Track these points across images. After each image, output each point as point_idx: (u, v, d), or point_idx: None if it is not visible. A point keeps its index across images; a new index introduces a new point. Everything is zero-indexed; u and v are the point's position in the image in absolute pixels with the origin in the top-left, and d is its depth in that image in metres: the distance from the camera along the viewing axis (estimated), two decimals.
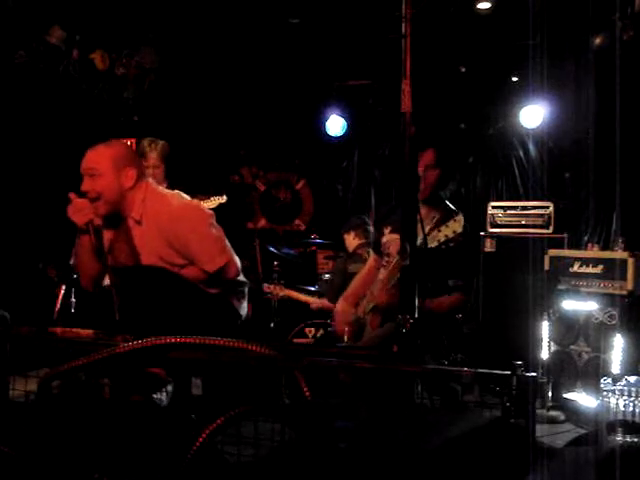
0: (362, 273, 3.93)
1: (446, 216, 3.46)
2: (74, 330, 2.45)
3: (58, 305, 4.37)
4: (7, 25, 5.11)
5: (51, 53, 5.49)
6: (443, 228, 3.22)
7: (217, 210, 4.64)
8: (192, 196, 4.55)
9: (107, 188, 2.94)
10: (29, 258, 5.18)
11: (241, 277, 3.28)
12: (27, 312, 4.00)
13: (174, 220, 2.95)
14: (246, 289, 3.29)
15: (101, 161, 2.95)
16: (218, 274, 2.99)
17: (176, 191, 3.23)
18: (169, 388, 3.55)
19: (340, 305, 3.82)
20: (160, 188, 3.16)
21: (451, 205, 3.71)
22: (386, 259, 3.67)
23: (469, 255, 3.69)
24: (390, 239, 3.68)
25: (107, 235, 3.13)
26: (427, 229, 3.27)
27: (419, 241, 2.97)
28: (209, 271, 2.96)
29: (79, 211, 2.91)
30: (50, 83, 5.56)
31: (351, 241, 5.42)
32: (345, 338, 3.73)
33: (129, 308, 2.96)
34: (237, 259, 3.11)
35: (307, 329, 5.46)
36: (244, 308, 3.27)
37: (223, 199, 4.43)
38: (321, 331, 5.37)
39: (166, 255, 2.97)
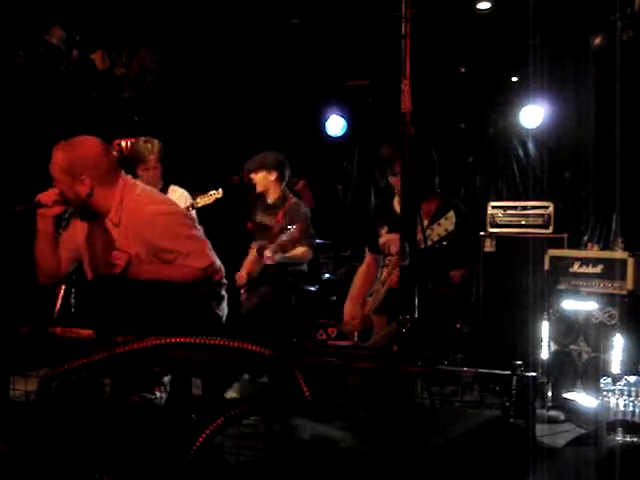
0: (361, 272, 3.96)
1: (442, 208, 3.46)
2: (74, 330, 2.46)
3: (58, 305, 4.37)
4: (7, 25, 5.11)
5: (51, 53, 5.49)
6: (435, 227, 3.21)
7: (217, 210, 4.66)
8: (192, 194, 4.60)
9: (65, 193, 2.92)
10: (29, 258, 5.17)
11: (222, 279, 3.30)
12: (27, 312, 4.00)
13: (148, 224, 2.92)
14: (224, 291, 3.27)
15: (55, 167, 2.91)
16: (207, 272, 2.97)
17: (153, 191, 3.20)
18: (165, 379, 3.54)
19: (347, 306, 3.83)
20: (137, 188, 3.07)
21: (447, 196, 3.71)
22: (389, 258, 3.67)
23: (466, 247, 3.66)
24: (389, 239, 3.68)
25: (82, 229, 3.09)
26: (425, 224, 3.26)
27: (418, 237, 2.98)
28: (200, 267, 2.94)
29: (47, 195, 2.94)
30: (50, 83, 5.56)
31: (268, 183, 4.80)
32: (354, 338, 3.74)
33: (110, 313, 2.92)
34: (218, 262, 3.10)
35: None
36: (224, 309, 3.26)
37: (219, 194, 4.44)
38: (321, 331, 5.37)
39: (152, 252, 2.94)
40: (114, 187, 2.95)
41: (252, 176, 4.83)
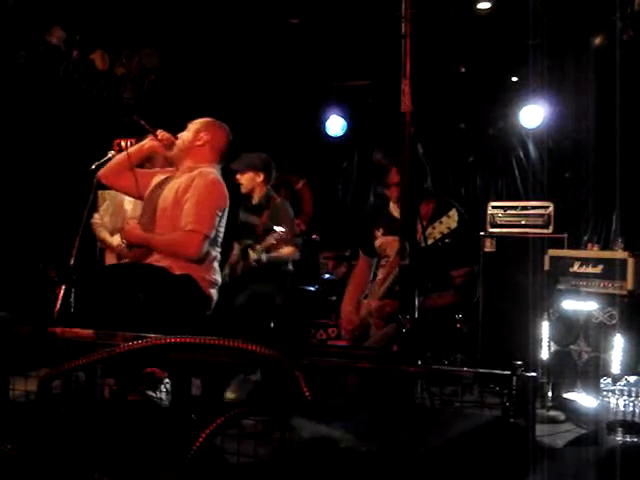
0: (354, 274, 3.99)
1: (439, 209, 3.46)
2: (74, 330, 2.45)
3: (58, 305, 4.37)
4: (7, 25, 5.11)
5: (51, 53, 5.49)
6: (437, 225, 3.22)
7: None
8: None
9: None
10: (29, 258, 5.18)
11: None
12: (27, 312, 4.01)
13: None
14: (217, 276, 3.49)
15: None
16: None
17: None
18: (167, 385, 3.55)
19: (343, 308, 3.83)
20: None
21: (443, 197, 3.71)
22: (385, 259, 3.67)
23: (468, 245, 3.68)
24: (385, 241, 3.68)
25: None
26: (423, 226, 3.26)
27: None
28: None
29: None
30: (50, 83, 5.57)
31: (255, 185, 4.78)
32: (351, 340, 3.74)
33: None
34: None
35: None
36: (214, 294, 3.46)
37: None
38: (320, 331, 5.37)
39: None
40: None
41: (238, 177, 4.77)
